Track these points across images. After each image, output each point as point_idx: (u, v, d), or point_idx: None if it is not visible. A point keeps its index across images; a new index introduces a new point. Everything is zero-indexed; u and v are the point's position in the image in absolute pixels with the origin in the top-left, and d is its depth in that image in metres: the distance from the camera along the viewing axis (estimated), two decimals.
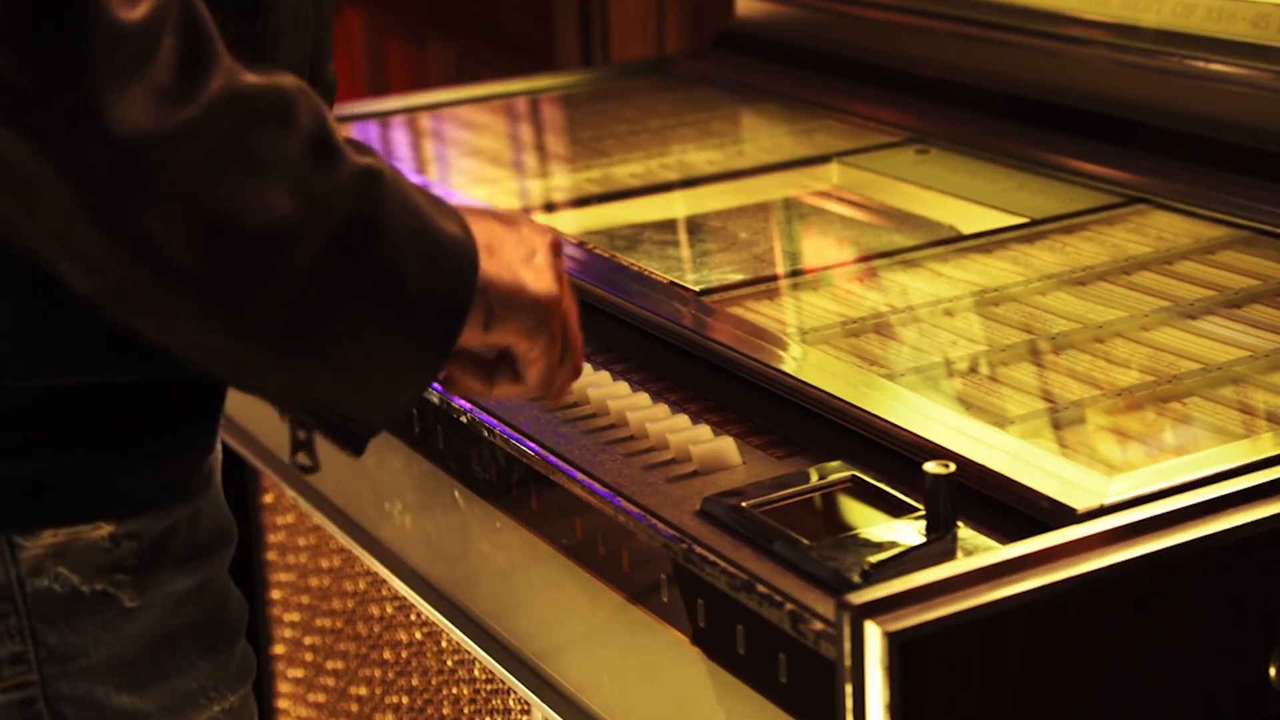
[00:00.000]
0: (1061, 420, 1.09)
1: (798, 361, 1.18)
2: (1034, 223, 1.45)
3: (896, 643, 0.86)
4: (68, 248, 0.85)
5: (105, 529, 0.97)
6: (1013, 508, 0.99)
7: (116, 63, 0.81)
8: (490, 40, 2.88)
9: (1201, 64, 1.52)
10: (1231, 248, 1.37)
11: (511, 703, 1.27)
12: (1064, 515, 0.95)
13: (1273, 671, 0.96)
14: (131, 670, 0.99)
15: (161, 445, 0.99)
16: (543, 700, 1.18)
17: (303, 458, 1.33)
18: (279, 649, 1.70)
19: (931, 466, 0.96)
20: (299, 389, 0.92)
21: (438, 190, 1.59)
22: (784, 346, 1.21)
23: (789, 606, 0.93)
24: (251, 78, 0.86)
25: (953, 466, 0.96)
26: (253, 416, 1.54)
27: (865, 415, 1.09)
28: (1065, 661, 0.91)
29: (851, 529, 0.99)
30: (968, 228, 1.47)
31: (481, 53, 2.92)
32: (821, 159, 1.67)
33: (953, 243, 1.42)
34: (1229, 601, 0.95)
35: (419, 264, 0.90)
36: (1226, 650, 0.96)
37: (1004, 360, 1.18)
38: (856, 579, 0.93)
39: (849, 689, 0.87)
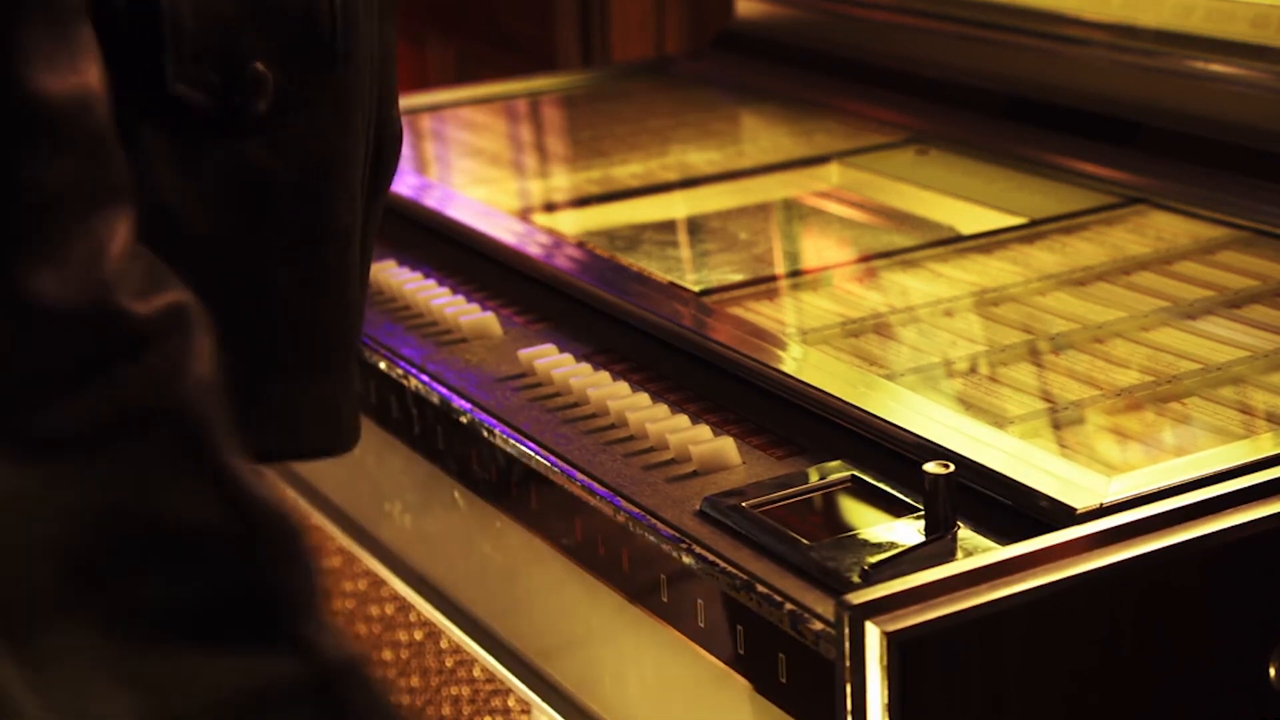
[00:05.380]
0: (1061, 420, 1.09)
1: (798, 361, 1.18)
2: (1033, 223, 1.45)
3: (896, 643, 0.86)
4: None
5: None
6: (1012, 507, 0.99)
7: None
8: (490, 40, 2.88)
9: (1201, 64, 1.52)
10: (1231, 248, 1.37)
11: (511, 703, 1.27)
12: (1063, 515, 0.95)
13: (1273, 671, 0.96)
14: None
15: None
16: (543, 700, 1.18)
17: None
18: None
19: (931, 467, 0.96)
20: None
21: (439, 192, 1.59)
22: (784, 346, 1.21)
23: (788, 606, 0.94)
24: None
25: (952, 467, 0.96)
26: None
27: (865, 415, 1.09)
28: (1065, 661, 0.91)
29: (851, 529, 0.99)
30: (967, 228, 1.47)
31: (481, 53, 2.92)
32: (821, 159, 1.67)
33: (952, 243, 1.42)
34: (1229, 601, 0.95)
35: None
36: (1226, 650, 0.96)
37: (1004, 360, 1.18)
38: (856, 579, 0.93)
39: (848, 689, 0.87)
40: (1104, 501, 0.96)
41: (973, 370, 1.17)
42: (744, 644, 0.98)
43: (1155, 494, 0.96)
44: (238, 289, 0.86)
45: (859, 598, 0.87)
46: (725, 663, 0.99)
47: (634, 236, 1.48)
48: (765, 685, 0.97)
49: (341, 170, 0.90)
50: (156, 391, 0.69)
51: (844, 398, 1.11)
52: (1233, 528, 0.94)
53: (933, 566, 0.90)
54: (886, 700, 0.86)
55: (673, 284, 1.35)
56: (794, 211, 1.56)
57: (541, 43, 2.70)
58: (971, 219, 1.49)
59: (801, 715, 0.95)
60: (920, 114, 1.74)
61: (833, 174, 1.65)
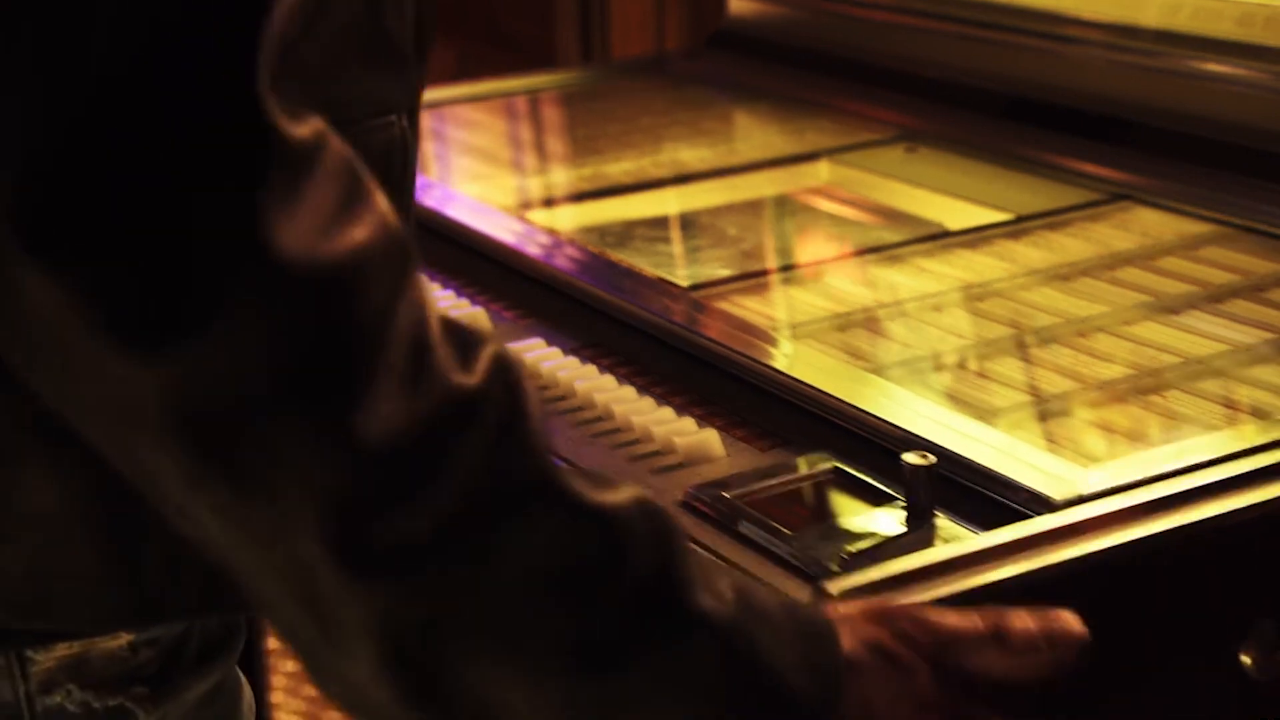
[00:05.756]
0: (1043, 413, 1.11)
1: (783, 355, 1.19)
2: (1020, 219, 1.46)
3: None
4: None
5: (124, 637, 0.89)
6: (992, 498, 1.00)
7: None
8: (490, 40, 2.89)
9: (1186, 62, 1.53)
10: (1214, 244, 1.38)
11: None
12: (1041, 505, 0.96)
13: (1245, 659, 0.98)
14: None
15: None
16: None
17: None
18: (273, 643, 1.71)
19: (910, 457, 0.98)
20: None
21: (433, 189, 1.60)
22: (770, 341, 1.22)
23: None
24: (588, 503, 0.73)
25: (932, 458, 0.98)
26: None
27: (848, 408, 1.10)
28: None
29: (833, 519, 1.00)
30: (955, 224, 1.48)
31: (481, 53, 2.93)
32: (811, 156, 1.68)
33: (939, 239, 1.43)
34: (1203, 590, 0.97)
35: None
36: (1200, 638, 0.97)
37: (988, 354, 1.20)
38: (835, 567, 0.94)
39: None
40: (1082, 492, 0.97)
41: (958, 364, 1.19)
42: None
43: (1132, 484, 0.98)
44: None
45: (837, 585, 0.89)
46: None
47: (625, 232, 1.50)
48: None
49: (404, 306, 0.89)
50: (505, 450, 0.70)
51: (828, 390, 1.12)
52: (1208, 518, 0.96)
53: (910, 554, 0.92)
54: None
55: (662, 279, 1.36)
56: (784, 208, 1.57)
57: (542, 43, 2.71)
58: (959, 215, 1.50)
59: None
60: (910, 112, 1.75)
61: (823, 171, 1.66)
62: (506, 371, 0.72)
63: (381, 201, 0.70)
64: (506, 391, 0.71)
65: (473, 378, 0.70)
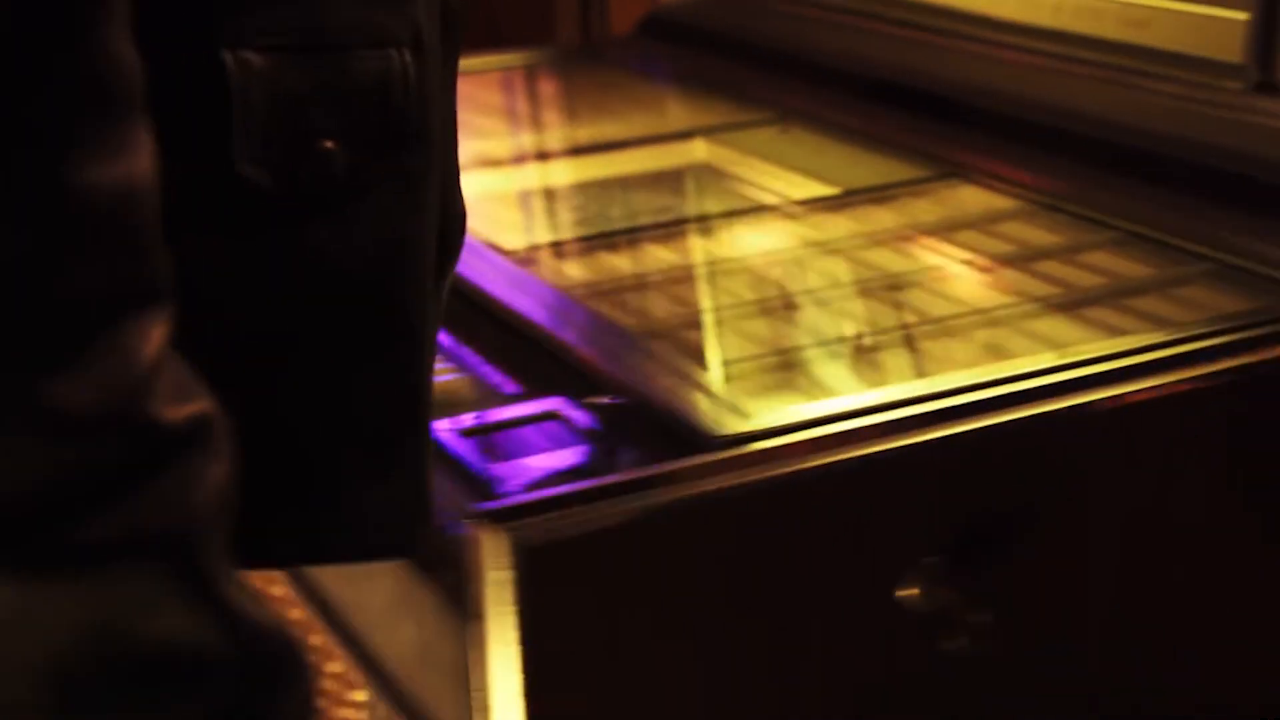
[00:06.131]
0: (763, 366, 1.18)
1: (547, 311, 1.27)
2: (847, 193, 1.53)
3: (523, 548, 0.96)
4: None
5: None
6: (679, 435, 1.07)
7: None
8: (491, 41, 2.98)
9: (1012, 52, 1.61)
10: (1014, 219, 1.44)
11: None
12: (707, 442, 1.04)
13: (910, 592, 1.05)
14: None
15: None
16: None
17: None
18: None
19: (596, 400, 1.06)
20: None
21: None
22: (546, 300, 1.30)
23: (456, 522, 1.03)
24: None
25: (616, 399, 1.06)
26: None
27: (579, 354, 1.18)
28: (691, 573, 1.00)
29: (532, 455, 1.08)
30: (793, 196, 1.55)
31: (481, 52, 3.02)
32: (688, 135, 1.76)
33: (756, 211, 1.51)
34: (853, 526, 1.04)
35: None
36: (863, 571, 1.04)
37: (746, 314, 1.27)
38: (506, 495, 1.02)
39: (480, 592, 0.97)
40: (748, 429, 1.04)
41: (713, 322, 1.26)
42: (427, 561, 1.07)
43: (800, 425, 1.05)
44: (300, 390, 0.80)
45: (498, 508, 0.97)
46: (412, 572, 1.09)
47: (478, 206, 1.58)
48: (446, 598, 1.07)
49: (412, 258, 0.84)
50: (167, 510, 0.65)
51: (566, 340, 1.20)
52: (862, 455, 1.03)
53: (579, 482, 1.00)
54: (515, 599, 0.96)
55: (490, 244, 1.44)
56: (638, 183, 1.65)
57: (543, 44, 2.80)
58: (797, 189, 1.57)
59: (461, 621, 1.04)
60: (800, 95, 1.83)
61: (698, 149, 1.74)
62: (210, 435, 0.66)
63: (147, 175, 0.64)
64: (198, 451, 0.66)
65: (174, 415, 0.64)
